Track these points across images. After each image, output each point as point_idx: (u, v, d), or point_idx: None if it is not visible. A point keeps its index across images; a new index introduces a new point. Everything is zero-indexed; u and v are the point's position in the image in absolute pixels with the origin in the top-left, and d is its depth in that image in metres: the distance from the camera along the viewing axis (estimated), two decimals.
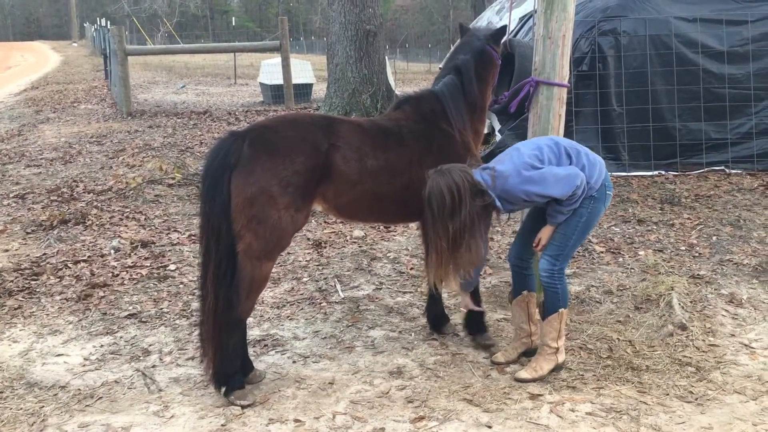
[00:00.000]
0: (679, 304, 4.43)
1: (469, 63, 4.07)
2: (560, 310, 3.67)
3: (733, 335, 4.19)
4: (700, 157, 8.08)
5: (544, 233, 3.62)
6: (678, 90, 7.95)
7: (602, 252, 5.66)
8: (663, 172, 7.98)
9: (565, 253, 3.63)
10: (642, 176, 7.91)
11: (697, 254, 5.56)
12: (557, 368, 3.73)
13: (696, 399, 3.48)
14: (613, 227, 6.30)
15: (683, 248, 5.71)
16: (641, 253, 5.60)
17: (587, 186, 3.49)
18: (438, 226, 3.39)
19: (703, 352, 3.97)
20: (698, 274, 5.10)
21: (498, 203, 3.45)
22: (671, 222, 6.37)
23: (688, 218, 6.47)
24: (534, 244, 3.68)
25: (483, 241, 3.48)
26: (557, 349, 3.71)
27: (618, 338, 4.13)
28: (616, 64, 8.01)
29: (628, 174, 7.94)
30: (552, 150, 3.52)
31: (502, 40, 4.32)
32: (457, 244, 3.38)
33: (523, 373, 3.69)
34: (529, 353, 3.87)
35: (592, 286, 4.95)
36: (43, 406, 3.51)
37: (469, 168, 3.48)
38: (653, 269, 5.17)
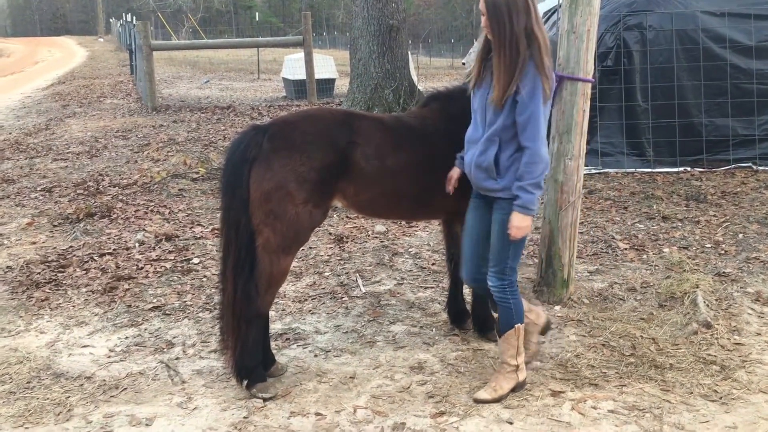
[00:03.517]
0: (704, 302, 4.38)
1: None
2: (516, 326, 3.47)
3: (758, 334, 4.14)
4: (727, 153, 7.97)
5: (518, 222, 3.26)
6: (705, 85, 7.84)
7: (626, 249, 5.61)
8: (689, 169, 7.88)
9: (510, 266, 3.41)
10: (667, 173, 7.82)
11: (722, 252, 5.49)
12: (518, 387, 3.53)
13: (720, 398, 3.44)
14: (637, 224, 6.24)
15: (709, 245, 5.64)
16: (666, 250, 5.55)
17: None
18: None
19: (728, 350, 3.92)
20: (724, 272, 5.04)
21: None
22: (697, 219, 6.30)
23: (714, 215, 6.39)
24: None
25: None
26: (517, 366, 3.52)
27: (641, 336, 4.10)
28: (642, 59, 7.91)
29: (653, 170, 7.86)
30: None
31: None
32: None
33: (482, 394, 3.47)
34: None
35: (616, 283, 4.91)
36: (69, 396, 3.57)
37: None
38: (678, 267, 5.12)
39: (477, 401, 3.44)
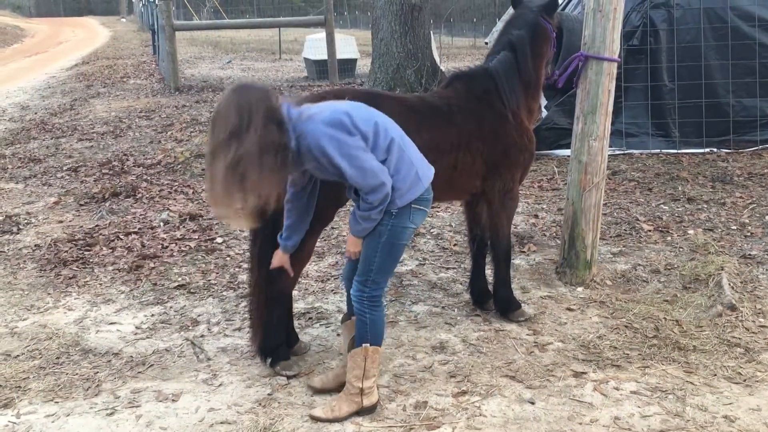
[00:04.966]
0: (729, 284, 4.34)
1: (523, 38, 3.94)
2: (365, 346, 3.18)
3: None
4: (755, 134, 7.84)
5: (348, 241, 3.24)
6: (732, 65, 7.71)
7: (650, 230, 5.56)
8: (715, 150, 7.78)
9: (373, 278, 3.15)
10: (693, 153, 7.72)
11: (748, 234, 5.44)
12: (363, 412, 3.21)
13: (744, 380, 3.43)
14: (661, 205, 6.19)
15: (734, 227, 5.58)
16: (690, 232, 5.50)
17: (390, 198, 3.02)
18: (217, 147, 2.78)
19: (753, 333, 3.89)
20: (749, 254, 4.98)
21: (293, 144, 2.88)
22: (722, 201, 6.23)
23: (740, 197, 6.31)
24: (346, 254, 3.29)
25: (275, 178, 2.85)
26: (362, 390, 3.20)
27: (665, 318, 4.08)
28: (669, 37, 7.79)
29: (679, 151, 7.76)
30: (378, 134, 3.00)
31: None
32: (236, 173, 2.75)
33: (318, 411, 3.21)
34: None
35: (639, 264, 4.88)
36: (97, 372, 3.64)
37: (275, 92, 2.94)
38: (703, 248, 5.07)
39: (312, 418, 3.20)
